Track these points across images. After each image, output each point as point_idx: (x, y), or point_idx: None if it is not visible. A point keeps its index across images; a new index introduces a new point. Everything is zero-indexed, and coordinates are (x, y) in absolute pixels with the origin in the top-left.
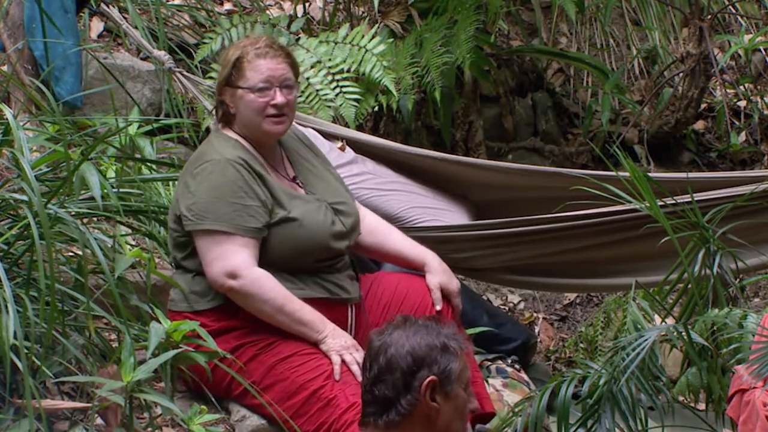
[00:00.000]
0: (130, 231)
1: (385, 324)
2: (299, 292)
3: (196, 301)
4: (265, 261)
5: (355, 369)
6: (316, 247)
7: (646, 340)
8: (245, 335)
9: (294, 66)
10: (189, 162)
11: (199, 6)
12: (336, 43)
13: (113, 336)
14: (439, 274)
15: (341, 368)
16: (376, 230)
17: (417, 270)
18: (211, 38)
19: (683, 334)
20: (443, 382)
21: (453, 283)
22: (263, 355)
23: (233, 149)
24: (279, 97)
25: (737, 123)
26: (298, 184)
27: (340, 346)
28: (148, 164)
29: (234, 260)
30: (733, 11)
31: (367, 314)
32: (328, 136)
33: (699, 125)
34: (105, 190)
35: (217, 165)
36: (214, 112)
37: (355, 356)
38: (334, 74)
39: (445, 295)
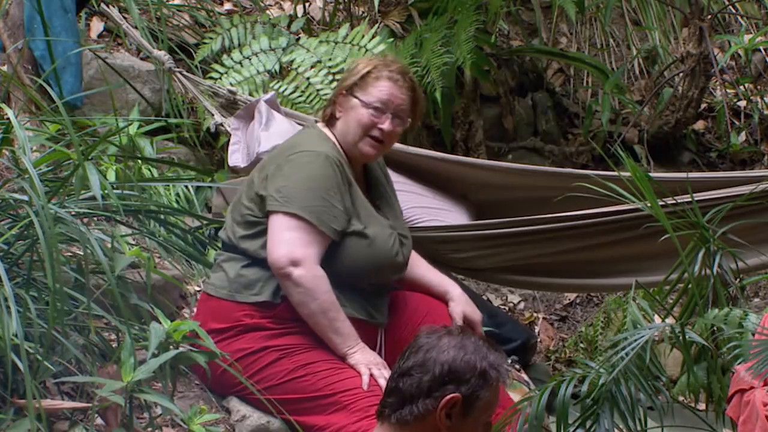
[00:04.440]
0: (129, 231)
1: (442, 326)
2: (341, 308)
3: (239, 291)
4: (322, 267)
5: (383, 383)
6: (375, 270)
7: (641, 337)
8: (273, 338)
9: (416, 103)
10: (284, 147)
11: (199, 6)
12: (336, 43)
13: (113, 336)
14: (462, 304)
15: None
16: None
17: (438, 299)
18: (211, 38)
19: (682, 334)
20: (465, 403)
21: (476, 312)
22: (285, 360)
23: (332, 149)
24: (387, 124)
25: (737, 123)
26: (376, 205)
27: (368, 361)
28: (148, 164)
29: (304, 250)
30: (733, 11)
31: (392, 332)
32: None
33: (699, 125)
34: (105, 190)
35: (316, 157)
36: (323, 109)
37: (383, 372)
38: (334, 74)
39: (468, 325)
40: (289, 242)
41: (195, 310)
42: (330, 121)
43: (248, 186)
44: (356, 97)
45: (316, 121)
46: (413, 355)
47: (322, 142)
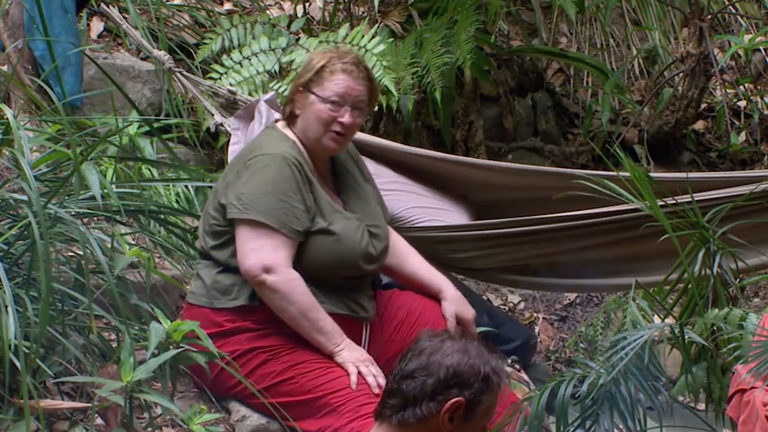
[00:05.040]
0: (129, 231)
1: (441, 330)
2: (320, 306)
3: (217, 297)
4: (294, 268)
5: (371, 381)
6: (346, 265)
7: (640, 337)
8: (258, 338)
9: (372, 91)
10: (244, 151)
11: (199, 6)
12: (336, 43)
13: (113, 336)
14: (454, 303)
15: (357, 379)
16: (396, 251)
17: (431, 296)
18: (211, 38)
19: (681, 333)
20: (468, 407)
21: (468, 311)
22: (273, 361)
23: (290, 149)
24: (347, 117)
25: (737, 123)
26: (342, 199)
27: (356, 358)
28: (148, 164)
29: (273, 256)
30: (733, 11)
31: (382, 331)
32: None
33: (699, 125)
34: (105, 190)
35: (272, 159)
36: (282, 109)
37: (371, 368)
38: None
39: (461, 323)
40: (257, 250)
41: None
42: (290, 119)
43: (213, 195)
44: (313, 93)
45: (276, 121)
46: (416, 358)
47: (280, 143)
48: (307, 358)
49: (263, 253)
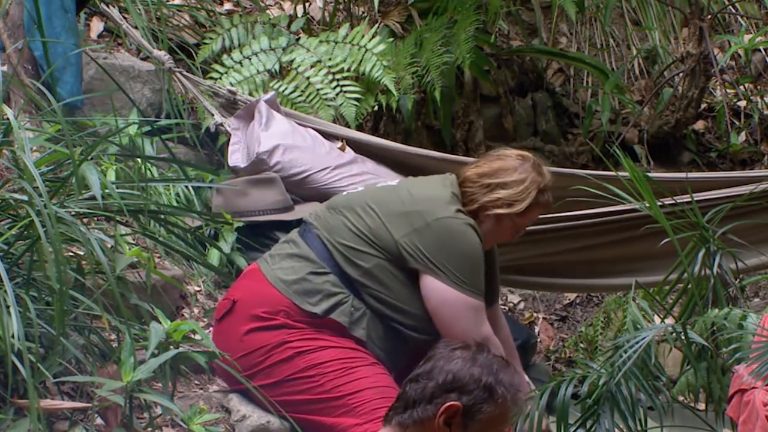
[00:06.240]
0: (130, 231)
1: (459, 341)
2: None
3: (298, 293)
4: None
5: None
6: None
7: (643, 338)
8: (291, 334)
9: None
10: (424, 198)
11: (199, 6)
12: (336, 43)
13: (113, 336)
14: None
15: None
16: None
17: None
18: (211, 38)
19: (682, 334)
20: (466, 413)
21: None
22: (299, 358)
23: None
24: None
25: (737, 123)
26: None
27: None
28: (148, 164)
29: (486, 328)
30: (733, 11)
31: None
32: (328, 136)
33: (699, 125)
34: (106, 190)
35: (468, 228)
36: (461, 189)
37: None
38: (334, 74)
39: None
40: (476, 325)
41: (242, 277)
42: (473, 211)
43: (377, 204)
44: (516, 215)
45: (451, 174)
46: (424, 364)
47: (463, 212)
48: (332, 358)
49: (480, 327)
